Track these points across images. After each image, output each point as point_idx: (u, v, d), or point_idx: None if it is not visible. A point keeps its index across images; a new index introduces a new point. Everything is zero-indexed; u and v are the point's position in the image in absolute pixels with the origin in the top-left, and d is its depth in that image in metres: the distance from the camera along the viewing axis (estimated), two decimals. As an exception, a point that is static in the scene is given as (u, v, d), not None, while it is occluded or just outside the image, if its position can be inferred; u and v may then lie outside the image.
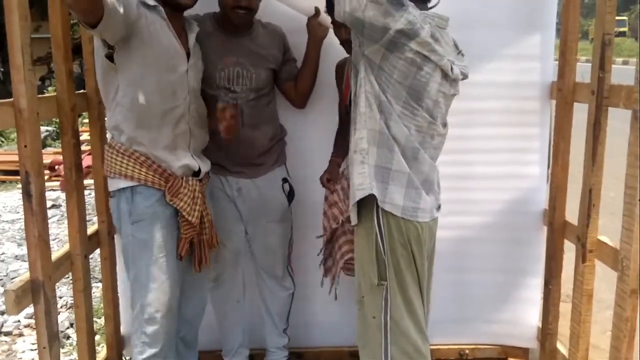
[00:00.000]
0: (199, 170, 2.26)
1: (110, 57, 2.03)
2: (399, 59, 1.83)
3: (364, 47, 1.89)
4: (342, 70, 2.50)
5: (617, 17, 2.20)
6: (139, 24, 2.00)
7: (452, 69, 1.90)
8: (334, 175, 2.51)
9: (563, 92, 2.49)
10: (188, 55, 2.19)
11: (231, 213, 2.53)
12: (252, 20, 2.44)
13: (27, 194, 1.92)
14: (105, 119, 2.17)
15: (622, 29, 30.92)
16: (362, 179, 1.93)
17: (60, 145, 2.43)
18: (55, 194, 6.71)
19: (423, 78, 1.86)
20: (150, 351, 2.18)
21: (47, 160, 7.17)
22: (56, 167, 7.27)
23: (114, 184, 2.15)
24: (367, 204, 1.95)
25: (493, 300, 2.87)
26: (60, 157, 4.05)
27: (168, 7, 2.12)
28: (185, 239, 2.19)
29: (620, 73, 3.13)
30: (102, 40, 2.00)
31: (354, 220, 2.01)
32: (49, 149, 8.55)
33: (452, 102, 2.03)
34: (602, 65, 2.15)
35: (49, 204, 2.03)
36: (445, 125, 2.02)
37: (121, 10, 1.88)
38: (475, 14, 2.61)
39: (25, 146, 1.90)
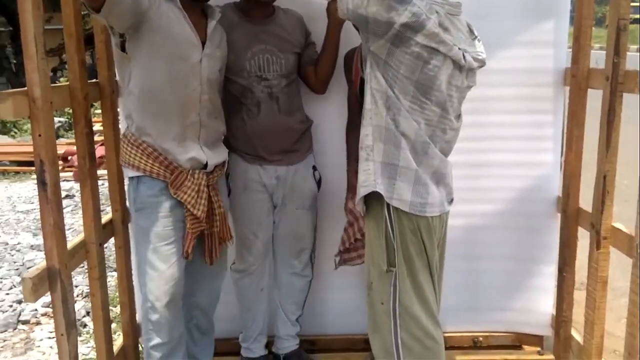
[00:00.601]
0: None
1: (122, 47, 2.04)
2: (405, 53, 1.81)
3: (370, 43, 1.87)
4: (351, 60, 2.48)
5: (631, 4, 2.17)
6: (149, 13, 2.00)
7: (464, 57, 1.88)
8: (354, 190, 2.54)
9: (577, 78, 2.47)
10: (205, 44, 2.16)
11: (265, 205, 2.54)
12: (273, 5, 2.44)
13: (42, 183, 1.93)
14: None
15: (636, 16, 30.50)
16: (366, 176, 1.94)
17: (72, 136, 2.45)
18: (68, 185, 6.76)
19: (431, 72, 1.83)
20: (156, 339, 2.21)
21: (60, 150, 7.20)
22: (69, 157, 7.31)
23: (126, 173, 2.22)
24: (376, 197, 1.94)
25: (507, 288, 2.86)
26: (73, 148, 4.08)
27: None
28: (191, 233, 2.18)
29: (634, 60, 3.10)
30: (110, 28, 2.01)
31: (362, 211, 2.02)
32: (61, 140, 8.59)
33: (466, 94, 2.01)
34: (616, 51, 2.12)
35: (62, 194, 2.04)
36: (459, 117, 2.00)
37: None
38: (489, 1, 2.59)
39: (40, 135, 1.90)
